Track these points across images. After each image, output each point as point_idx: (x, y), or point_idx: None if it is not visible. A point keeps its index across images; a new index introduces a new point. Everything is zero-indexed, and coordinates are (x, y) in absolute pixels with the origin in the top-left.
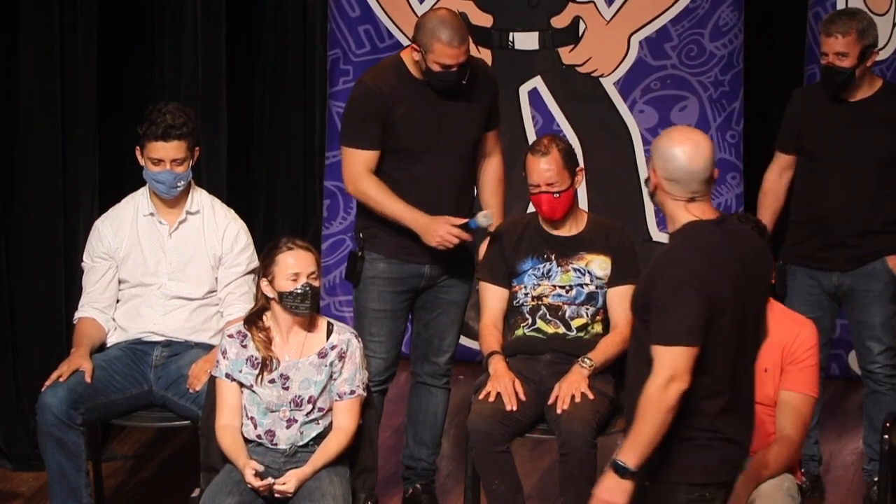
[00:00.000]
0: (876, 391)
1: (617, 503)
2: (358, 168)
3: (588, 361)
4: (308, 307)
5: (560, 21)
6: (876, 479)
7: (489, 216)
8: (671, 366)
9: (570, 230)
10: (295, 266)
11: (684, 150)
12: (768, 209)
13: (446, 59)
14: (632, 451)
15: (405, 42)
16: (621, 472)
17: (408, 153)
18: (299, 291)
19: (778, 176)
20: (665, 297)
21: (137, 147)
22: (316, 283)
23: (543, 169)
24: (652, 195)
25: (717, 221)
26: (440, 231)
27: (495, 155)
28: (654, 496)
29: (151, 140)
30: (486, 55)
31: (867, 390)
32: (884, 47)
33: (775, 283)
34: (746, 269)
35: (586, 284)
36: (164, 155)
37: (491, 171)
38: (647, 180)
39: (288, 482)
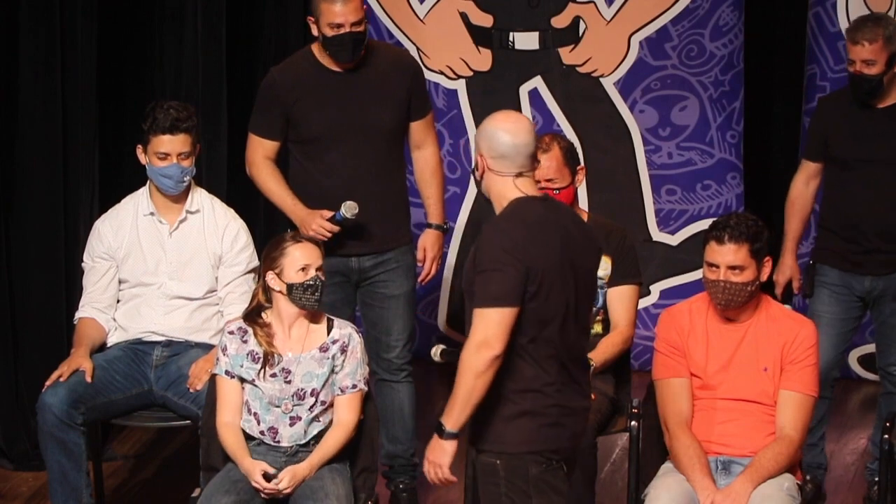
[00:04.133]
0: (892, 392)
1: (440, 462)
2: (254, 153)
3: (588, 361)
4: (316, 300)
5: (560, 21)
6: (877, 479)
7: (353, 207)
8: (484, 328)
9: None
10: (304, 258)
11: (507, 128)
12: (795, 217)
13: (333, 17)
14: (449, 413)
15: (406, 42)
16: (440, 433)
17: (315, 142)
18: (310, 283)
19: (805, 184)
20: (485, 265)
21: (139, 146)
22: (323, 278)
23: (544, 165)
24: (479, 183)
25: (541, 198)
26: (312, 224)
27: (428, 145)
28: (506, 467)
29: (158, 134)
30: (486, 55)
31: (884, 390)
32: None
33: (800, 282)
34: (570, 238)
35: None
36: (171, 148)
37: (423, 162)
38: (473, 169)
39: (282, 480)
